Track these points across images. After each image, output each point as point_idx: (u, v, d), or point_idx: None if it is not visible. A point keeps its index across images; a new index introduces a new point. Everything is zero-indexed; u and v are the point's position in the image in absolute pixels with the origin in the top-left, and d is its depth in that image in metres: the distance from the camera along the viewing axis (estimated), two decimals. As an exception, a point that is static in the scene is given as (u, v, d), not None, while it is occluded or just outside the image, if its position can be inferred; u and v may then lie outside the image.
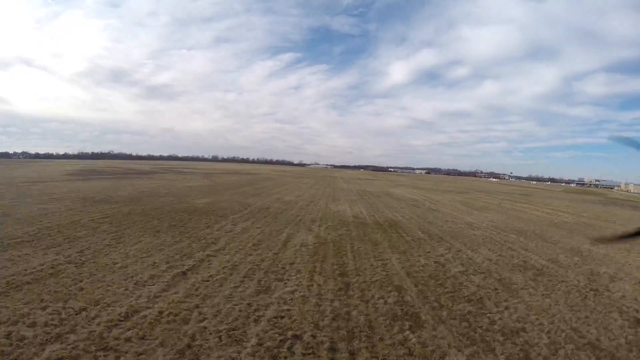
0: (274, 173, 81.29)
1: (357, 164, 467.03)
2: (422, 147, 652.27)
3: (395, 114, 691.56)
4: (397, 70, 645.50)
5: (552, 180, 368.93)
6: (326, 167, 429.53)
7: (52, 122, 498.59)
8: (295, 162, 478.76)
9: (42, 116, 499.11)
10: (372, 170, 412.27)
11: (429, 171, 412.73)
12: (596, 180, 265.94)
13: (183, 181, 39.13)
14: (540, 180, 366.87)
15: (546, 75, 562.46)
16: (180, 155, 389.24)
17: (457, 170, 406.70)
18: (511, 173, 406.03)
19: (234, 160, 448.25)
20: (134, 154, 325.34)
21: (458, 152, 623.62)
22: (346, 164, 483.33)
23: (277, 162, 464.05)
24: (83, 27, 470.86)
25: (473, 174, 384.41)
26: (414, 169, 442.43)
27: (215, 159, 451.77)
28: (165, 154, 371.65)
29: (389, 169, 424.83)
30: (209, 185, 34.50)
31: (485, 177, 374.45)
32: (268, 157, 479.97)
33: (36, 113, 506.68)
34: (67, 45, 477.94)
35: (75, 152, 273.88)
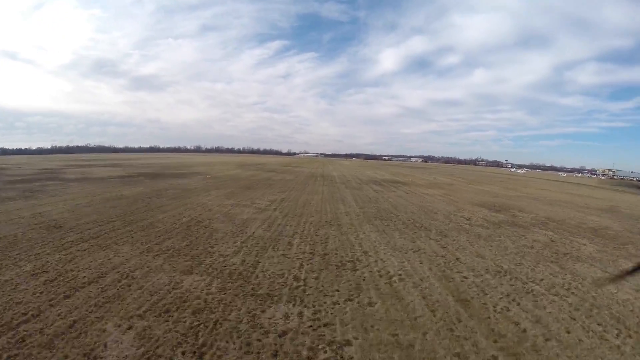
0: (232, 170, 46.31)
1: (347, 153, 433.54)
2: (412, 135, 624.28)
3: (385, 103, 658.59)
4: (388, 57, 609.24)
5: (553, 168, 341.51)
6: (316, 156, 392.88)
7: (35, 116, 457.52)
8: (284, 151, 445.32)
9: (27, 110, 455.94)
10: (365, 158, 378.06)
11: (426, 159, 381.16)
12: (610, 170, 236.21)
13: None
14: (543, 169, 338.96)
15: (537, 64, 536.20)
16: (162, 146, 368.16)
17: (456, 158, 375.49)
18: (506, 161, 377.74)
19: (217, 150, 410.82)
20: (112, 146, 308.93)
21: (448, 140, 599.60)
22: (337, 153, 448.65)
23: (265, 152, 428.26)
24: (67, 18, 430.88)
25: (473, 162, 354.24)
26: (408, 156, 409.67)
27: (198, 150, 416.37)
28: (146, 146, 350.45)
29: (383, 157, 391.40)
30: None
31: (487, 165, 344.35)
32: (256, 147, 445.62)
33: (21, 107, 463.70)
34: (51, 37, 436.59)
35: (49, 146, 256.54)
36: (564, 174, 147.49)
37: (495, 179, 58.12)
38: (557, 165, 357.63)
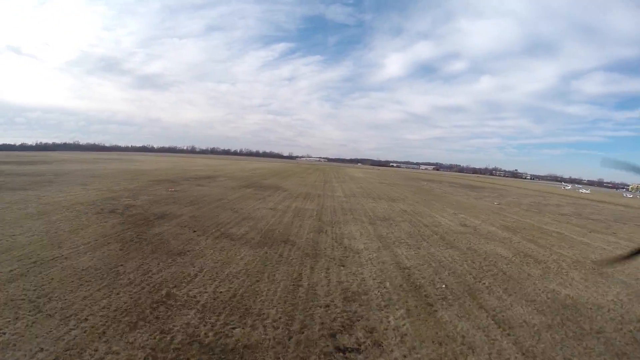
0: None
1: (352, 158, 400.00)
2: (416, 142, 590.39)
3: (390, 108, 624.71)
4: (393, 62, 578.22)
5: (573, 181, 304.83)
6: (319, 161, 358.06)
7: (35, 112, 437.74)
8: (285, 154, 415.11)
9: (27, 105, 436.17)
10: (371, 164, 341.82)
11: (437, 167, 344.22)
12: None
13: None
14: (557, 181, 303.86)
15: (544, 73, 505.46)
16: (156, 146, 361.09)
17: (470, 167, 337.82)
18: (516, 170, 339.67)
19: (212, 151, 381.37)
20: (101, 144, 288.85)
21: (452, 147, 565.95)
22: (340, 157, 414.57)
23: (264, 155, 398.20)
24: (72, 14, 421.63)
25: (489, 172, 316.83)
26: (415, 163, 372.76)
27: (192, 151, 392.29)
28: (140, 145, 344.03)
29: (390, 164, 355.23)
30: None
31: (505, 176, 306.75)
32: (259, 149, 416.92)
33: (22, 102, 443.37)
34: (56, 33, 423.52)
35: (33, 143, 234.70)
36: (630, 195, 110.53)
37: None
38: (575, 176, 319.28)
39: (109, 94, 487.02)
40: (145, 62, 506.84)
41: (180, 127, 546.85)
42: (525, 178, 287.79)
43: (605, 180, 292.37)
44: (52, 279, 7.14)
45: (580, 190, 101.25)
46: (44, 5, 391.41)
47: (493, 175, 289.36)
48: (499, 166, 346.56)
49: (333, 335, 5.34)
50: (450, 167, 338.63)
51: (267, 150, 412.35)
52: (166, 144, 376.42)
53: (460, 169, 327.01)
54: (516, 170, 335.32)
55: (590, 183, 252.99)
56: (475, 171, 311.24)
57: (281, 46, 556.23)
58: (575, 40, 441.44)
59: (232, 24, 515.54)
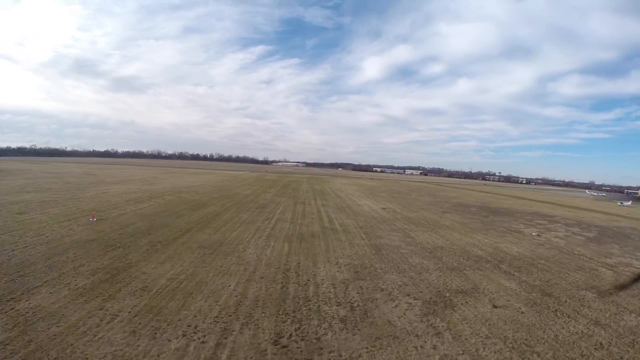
0: None
1: (330, 162, 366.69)
2: (394, 145, 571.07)
3: (368, 111, 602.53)
4: (371, 65, 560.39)
5: (568, 184, 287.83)
6: (297, 166, 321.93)
7: (5, 114, 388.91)
8: (261, 158, 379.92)
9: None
10: (352, 169, 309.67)
11: (425, 172, 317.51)
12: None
13: None
14: (553, 184, 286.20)
15: (521, 75, 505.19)
16: (121, 151, 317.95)
17: (461, 171, 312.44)
18: (498, 173, 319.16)
19: (180, 157, 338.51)
20: (62, 149, 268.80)
21: (430, 150, 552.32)
22: (319, 162, 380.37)
23: (237, 160, 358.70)
24: (47, 14, 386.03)
25: (482, 177, 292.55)
26: (398, 167, 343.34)
27: (157, 156, 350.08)
28: (112, 149, 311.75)
29: (374, 169, 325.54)
30: None
31: (499, 180, 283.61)
32: (235, 154, 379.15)
33: None
34: (30, 33, 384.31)
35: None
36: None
37: None
38: (567, 179, 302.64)
39: (84, 96, 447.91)
40: (121, 64, 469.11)
41: (155, 131, 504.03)
42: (521, 182, 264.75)
43: (596, 182, 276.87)
44: None
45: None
46: (18, 3, 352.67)
47: (486, 180, 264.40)
48: (477, 169, 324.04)
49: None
50: (439, 172, 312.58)
51: (242, 155, 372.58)
52: (142, 149, 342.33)
53: (450, 174, 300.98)
54: (499, 173, 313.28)
55: (586, 187, 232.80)
56: (466, 176, 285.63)
57: (259, 49, 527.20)
58: (553, 44, 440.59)
59: (210, 26, 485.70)
